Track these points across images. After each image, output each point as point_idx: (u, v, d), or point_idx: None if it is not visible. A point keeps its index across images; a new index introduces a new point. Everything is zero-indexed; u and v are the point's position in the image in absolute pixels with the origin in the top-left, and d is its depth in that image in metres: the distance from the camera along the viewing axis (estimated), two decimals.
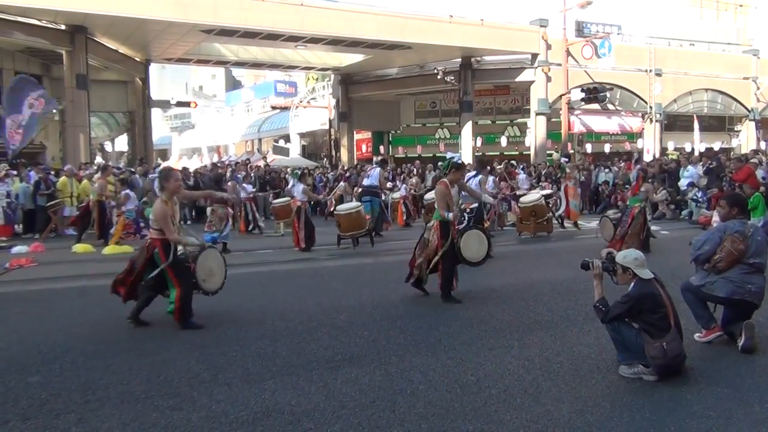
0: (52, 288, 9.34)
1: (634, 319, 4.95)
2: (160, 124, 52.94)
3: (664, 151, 32.49)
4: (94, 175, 16.89)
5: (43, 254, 12.64)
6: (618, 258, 5.10)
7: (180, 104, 38.04)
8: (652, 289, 4.89)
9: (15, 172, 17.04)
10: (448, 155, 8.34)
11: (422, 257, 7.95)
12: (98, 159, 27.25)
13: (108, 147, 45.74)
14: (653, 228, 14.03)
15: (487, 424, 4.10)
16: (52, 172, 18.19)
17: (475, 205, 11.45)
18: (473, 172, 13.33)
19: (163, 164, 26.88)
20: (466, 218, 11.44)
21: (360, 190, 15.53)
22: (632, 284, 4.99)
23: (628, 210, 11.41)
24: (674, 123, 36.46)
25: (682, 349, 4.87)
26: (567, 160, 19.71)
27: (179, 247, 6.72)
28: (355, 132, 37.80)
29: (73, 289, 9.12)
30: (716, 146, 33.58)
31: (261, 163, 26.47)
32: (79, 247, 13.37)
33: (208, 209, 12.37)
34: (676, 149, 33.18)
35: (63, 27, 23.07)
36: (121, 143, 42.77)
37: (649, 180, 12.31)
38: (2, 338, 6.40)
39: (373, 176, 14.84)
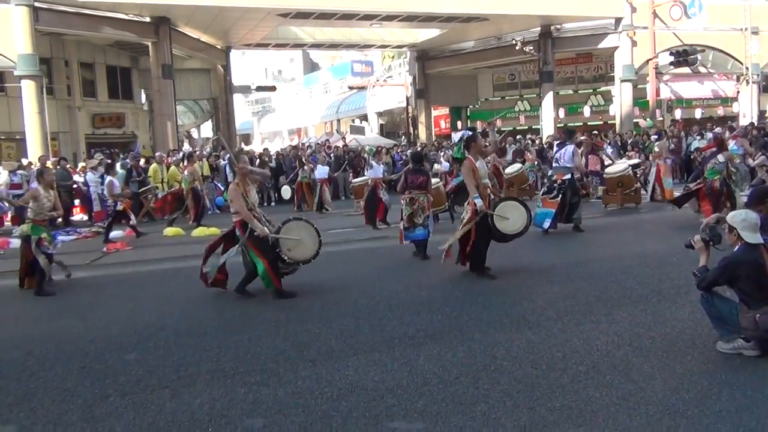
0: (145, 270, 9.80)
1: (731, 285, 4.66)
2: (242, 110, 54.24)
3: (762, 114, 30.45)
4: (180, 162, 17.49)
5: (137, 238, 13.24)
6: (728, 217, 4.80)
7: (260, 89, 38.85)
8: (756, 257, 4.55)
9: (110, 161, 17.91)
10: (463, 134, 8.13)
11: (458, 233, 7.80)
12: (186, 146, 28.27)
13: (194, 134, 47.44)
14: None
15: (574, 402, 3.97)
16: (142, 160, 19.00)
17: (568, 176, 10.93)
18: (560, 144, 12.45)
19: (246, 148, 27.60)
20: (557, 189, 11.02)
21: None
22: (737, 247, 4.66)
23: (709, 183, 10.48)
24: None
25: None
26: (658, 137, 18.25)
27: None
28: (432, 108, 37.47)
29: (164, 271, 9.52)
30: None
31: (340, 144, 26.69)
32: (170, 231, 13.91)
33: (403, 200, 9.28)
34: None
35: (148, 19, 23.94)
36: (206, 129, 44.24)
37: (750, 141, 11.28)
38: (101, 318, 6.77)
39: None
